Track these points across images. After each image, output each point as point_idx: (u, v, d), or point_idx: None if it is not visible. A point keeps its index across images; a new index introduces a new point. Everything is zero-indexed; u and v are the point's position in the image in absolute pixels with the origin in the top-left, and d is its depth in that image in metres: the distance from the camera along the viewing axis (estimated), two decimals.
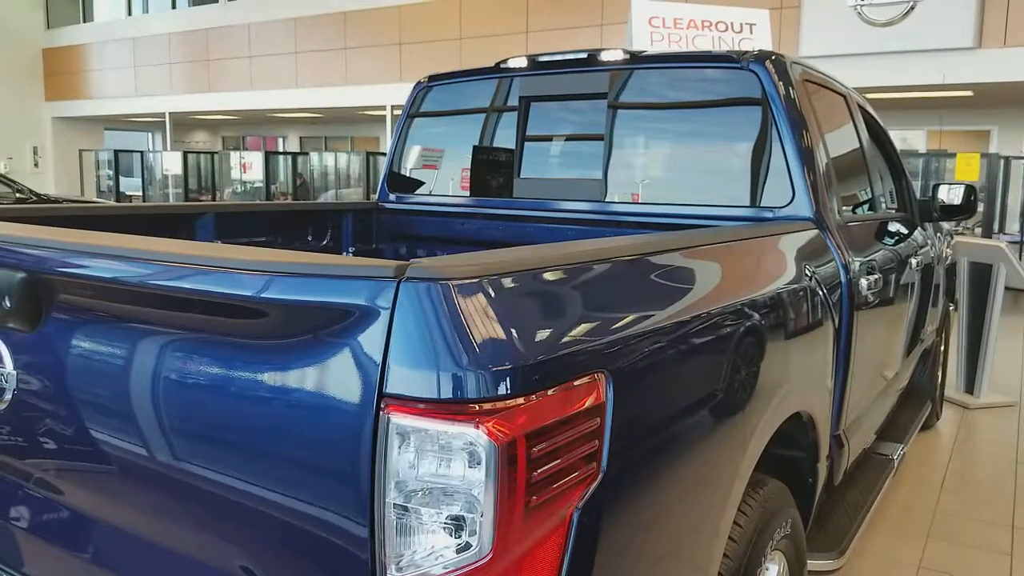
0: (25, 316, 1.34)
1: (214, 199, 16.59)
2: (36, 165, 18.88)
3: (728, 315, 1.53)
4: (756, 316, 1.65)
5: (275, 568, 1.09)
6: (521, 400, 0.96)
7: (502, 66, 3.04)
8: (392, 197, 3.35)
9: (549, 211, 2.92)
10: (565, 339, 1.06)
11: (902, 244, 3.04)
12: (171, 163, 17.06)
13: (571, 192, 2.85)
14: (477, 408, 0.94)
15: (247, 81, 15.30)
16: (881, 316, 2.60)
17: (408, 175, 3.35)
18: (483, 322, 0.97)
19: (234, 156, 16.90)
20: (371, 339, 0.97)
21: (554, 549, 1.02)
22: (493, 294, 1.01)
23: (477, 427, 0.93)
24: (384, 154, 15.18)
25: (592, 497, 1.06)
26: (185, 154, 16.88)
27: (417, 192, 3.31)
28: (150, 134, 21.98)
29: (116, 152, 17.97)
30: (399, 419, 0.95)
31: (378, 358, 0.96)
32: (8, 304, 1.34)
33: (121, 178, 17.78)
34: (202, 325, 1.16)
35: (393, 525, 0.97)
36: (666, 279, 1.43)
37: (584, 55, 2.80)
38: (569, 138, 2.94)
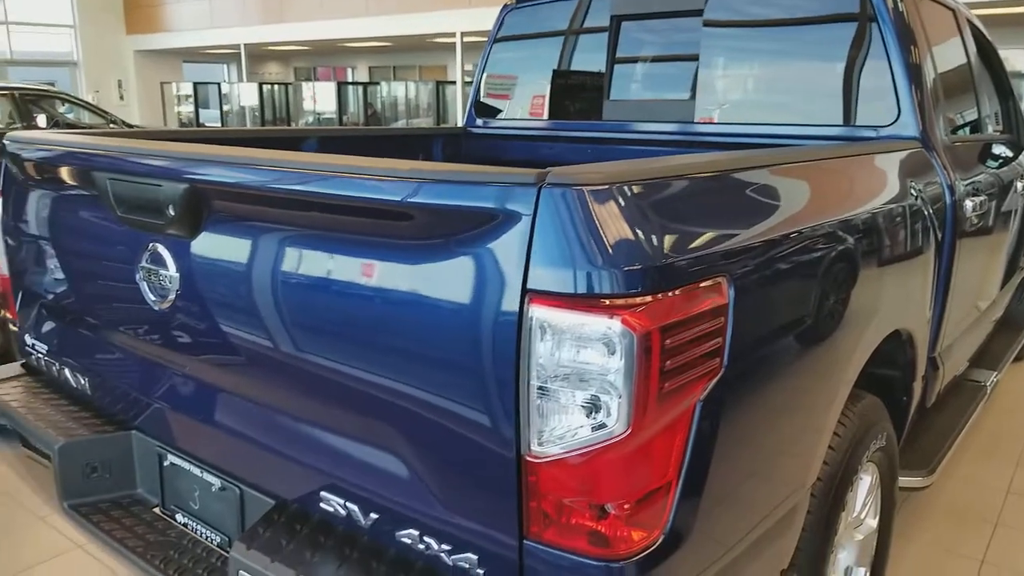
0: (187, 223, 1.47)
1: None
2: (121, 98, 19.46)
3: (842, 231, 1.56)
4: (866, 233, 1.67)
5: (430, 444, 1.19)
6: (651, 297, 1.03)
7: None
8: (479, 122, 3.38)
9: (639, 133, 2.92)
10: (691, 244, 1.12)
11: (1006, 168, 2.94)
12: (247, 95, 17.39)
13: (664, 114, 2.83)
14: (612, 303, 1.01)
15: (318, 10, 15.32)
16: (982, 240, 2.55)
17: (495, 100, 3.38)
18: (616, 225, 1.03)
19: (306, 87, 17.11)
20: (515, 239, 1.04)
21: (680, 434, 1.10)
22: (625, 200, 1.07)
23: (612, 318, 1.00)
24: (453, 83, 15.14)
25: (713, 390, 1.14)
26: (260, 85, 17.17)
27: (504, 116, 3.34)
28: (225, 66, 22.34)
29: (195, 84, 18.39)
30: (542, 311, 1.02)
31: (522, 257, 1.03)
32: (172, 212, 1.47)
33: (200, 110, 18.25)
34: (356, 229, 1.25)
35: (535, 405, 1.06)
36: (785, 192, 1.46)
37: None
38: (661, 59, 2.91)
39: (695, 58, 2.75)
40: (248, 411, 1.50)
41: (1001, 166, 2.87)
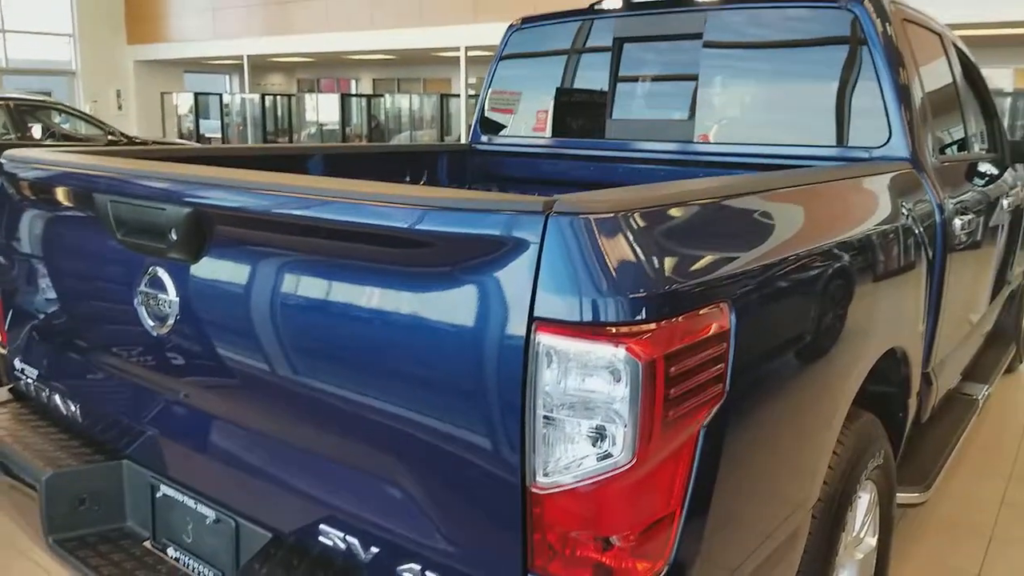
0: (189, 247, 1.45)
1: (291, 141, 16.96)
2: (120, 108, 19.49)
3: (838, 252, 1.61)
4: (861, 254, 1.73)
5: (433, 474, 1.22)
6: (655, 324, 1.07)
7: (596, 7, 3.08)
8: (484, 138, 3.44)
9: (640, 152, 2.98)
10: (693, 270, 1.17)
11: (992, 185, 3.01)
12: (249, 106, 17.45)
13: (665, 133, 2.89)
14: (617, 330, 1.05)
15: (323, 23, 15.40)
16: (971, 257, 2.61)
17: (500, 117, 3.44)
18: (622, 253, 1.08)
19: (309, 99, 17.18)
20: (522, 267, 1.08)
21: (684, 462, 1.13)
22: (630, 228, 1.12)
23: (617, 346, 1.04)
24: (457, 96, 15.21)
25: (716, 416, 1.17)
26: (262, 96, 17.22)
27: (509, 134, 3.40)
28: (227, 76, 22.42)
29: (196, 95, 18.44)
30: (548, 339, 1.06)
31: (529, 284, 1.07)
32: (175, 236, 1.45)
33: (200, 120, 18.30)
34: (361, 255, 1.28)
35: (541, 435, 1.08)
36: (784, 215, 1.52)
37: None
38: (663, 79, 2.98)
39: (695, 79, 2.82)
40: (246, 440, 1.49)
41: (987, 184, 2.94)
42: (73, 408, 1.86)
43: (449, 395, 1.17)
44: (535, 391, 1.08)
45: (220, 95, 18.38)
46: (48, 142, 9.58)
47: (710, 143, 2.79)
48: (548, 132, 3.26)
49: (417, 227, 1.17)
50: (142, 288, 1.58)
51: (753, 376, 1.29)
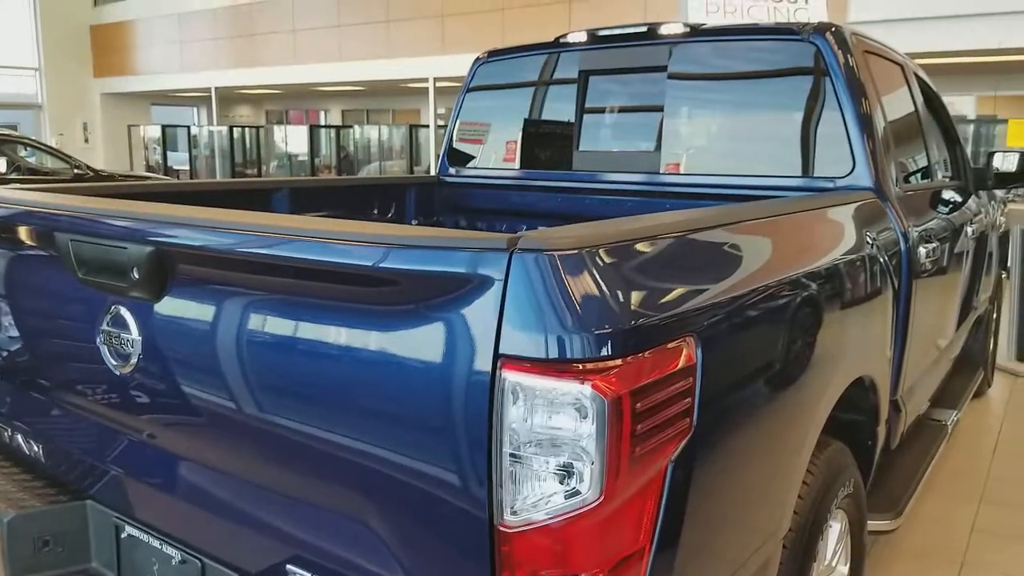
0: (151, 286, 1.45)
1: (259, 172, 16.89)
2: (86, 141, 19.32)
3: (803, 283, 1.62)
4: (828, 284, 1.73)
5: (401, 513, 1.20)
6: (622, 360, 1.06)
7: (561, 40, 3.10)
8: (452, 171, 3.44)
9: (607, 183, 2.99)
10: (659, 305, 1.16)
11: (957, 212, 3.06)
12: (217, 138, 17.38)
13: (631, 164, 2.91)
14: (584, 367, 1.04)
15: (291, 55, 15.45)
16: (937, 284, 2.64)
17: (467, 149, 3.44)
18: (586, 289, 1.07)
19: (278, 130, 17.17)
20: (487, 304, 1.07)
21: (652, 498, 1.12)
22: (594, 264, 1.11)
23: (583, 383, 1.03)
24: (426, 126, 15.30)
25: (684, 450, 1.16)
26: (230, 128, 17.17)
27: (476, 166, 3.40)
28: (195, 109, 22.34)
29: (163, 127, 18.34)
30: (514, 376, 1.05)
31: (494, 321, 1.06)
32: (136, 275, 1.45)
33: (168, 152, 18.18)
34: (324, 294, 1.27)
35: (508, 473, 1.07)
36: (747, 248, 1.52)
37: (644, 28, 2.85)
38: (629, 111, 3.00)
39: (660, 110, 2.85)
40: (212, 479, 1.48)
41: (951, 211, 2.99)
42: (36, 448, 1.84)
43: (416, 433, 1.16)
44: (501, 429, 1.07)
45: (188, 127, 18.31)
46: (13, 176, 9.50)
47: (676, 174, 2.81)
48: (516, 164, 3.27)
49: (381, 265, 1.16)
50: (104, 327, 1.56)
51: (721, 409, 1.28)
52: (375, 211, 3.24)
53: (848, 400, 1.94)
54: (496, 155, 3.36)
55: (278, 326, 1.32)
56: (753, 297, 1.41)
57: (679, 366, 1.15)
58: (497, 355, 1.06)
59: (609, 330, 1.06)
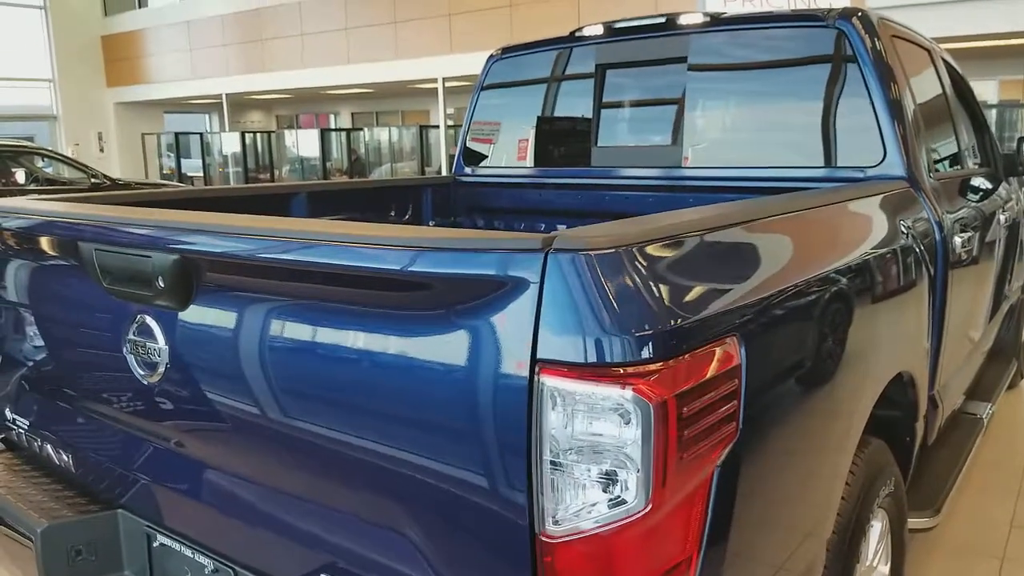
0: (177, 295, 1.43)
1: (272, 177, 16.92)
2: (101, 150, 19.45)
3: (844, 277, 1.56)
4: (867, 277, 1.67)
5: (439, 523, 1.16)
6: (664, 363, 1.01)
7: (577, 34, 3.05)
8: (468, 170, 3.39)
9: (627, 179, 2.94)
10: (700, 304, 1.11)
11: (988, 200, 2.98)
12: (229, 144, 17.43)
13: (652, 159, 2.85)
14: (625, 371, 0.99)
15: (299, 59, 15.46)
16: (971, 274, 2.57)
17: (483, 148, 3.39)
18: (626, 289, 1.03)
19: (289, 135, 17.19)
20: (522, 307, 1.02)
21: (699, 505, 1.08)
22: (633, 263, 1.06)
23: (625, 388, 0.98)
24: (436, 127, 15.26)
25: (731, 454, 1.12)
26: (242, 134, 17.22)
27: (493, 164, 3.35)
28: (207, 115, 22.43)
29: (176, 135, 18.42)
30: (553, 381, 1.00)
31: (530, 325, 1.01)
32: (162, 284, 1.43)
33: (182, 160, 18.26)
34: (354, 299, 1.23)
35: (549, 481, 1.03)
36: (786, 242, 1.47)
37: (663, 20, 2.79)
38: (648, 104, 2.95)
39: (681, 103, 2.79)
40: (243, 488, 1.46)
41: (982, 199, 2.91)
42: (66, 458, 1.84)
43: (453, 442, 1.12)
44: (541, 436, 1.03)
45: (200, 134, 18.36)
46: (31, 187, 9.59)
47: (699, 168, 2.75)
48: (533, 161, 3.22)
49: (411, 269, 1.12)
50: (131, 336, 1.55)
51: (766, 409, 1.24)
52: (392, 213, 3.20)
53: (887, 396, 1.88)
54: (512, 153, 3.31)
55: (306, 333, 1.29)
56: (795, 293, 1.36)
57: (724, 367, 1.10)
58: (535, 360, 1.01)
59: (650, 331, 1.01)
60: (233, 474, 1.48)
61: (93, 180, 10.11)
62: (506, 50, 3.30)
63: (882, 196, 2.05)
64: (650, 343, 1.00)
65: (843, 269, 1.57)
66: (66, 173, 10.53)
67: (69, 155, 14.23)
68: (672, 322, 1.04)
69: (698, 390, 1.04)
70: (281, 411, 1.33)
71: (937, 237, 2.22)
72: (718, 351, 1.10)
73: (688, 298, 1.10)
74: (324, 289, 1.27)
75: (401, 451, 1.17)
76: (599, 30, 2.98)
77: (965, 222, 2.50)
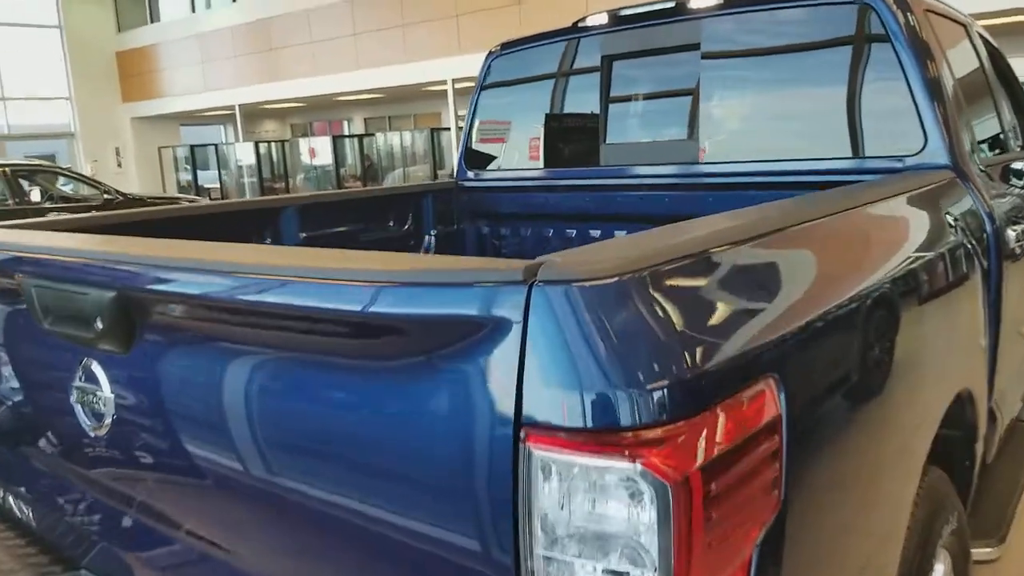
0: (118, 337, 1.24)
1: (287, 186, 16.86)
2: (119, 165, 19.53)
3: (899, 288, 1.32)
4: (924, 285, 1.44)
5: None
6: (685, 424, 0.78)
7: (580, 25, 2.83)
8: (470, 175, 3.19)
9: (640, 177, 2.72)
10: (729, 341, 0.88)
11: None
12: (244, 154, 17.40)
13: (666, 155, 2.63)
14: (635, 437, 0.77)
15: (310, 67, 15.36)
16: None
17: (485, 151, 3.19)
18: (633, 329, 0.80)
19: (302, 143, 17.12)
20: (502, 356, 0.80)
21: None
22: (642, 293, 0.83)
23: (633, 461, 0.76)
24: (447, 129, 15.07)
25: (772, 531, 0.88)
26: (256, 144, 17.17)
27: (496, 167, 3.15)
28: (222, 127, 22.45)
29: (192, 147, 18.42)
30: (543, 452, 0.78)
31: (512, 379, 0.79)
32: (100, 325, 1.24)
33: (198, 171, 18.26)
34: (302, 343, 1.03)
35: None
36: (827, 251, 1.22)
37: (672, 4, 2.56)
38: (659, 96, 2.72)
39: (695, 94, 2.56)
40: (204, 548, 1.28)
41: None
42: (27, 513, 1.68)
43: (421, 530, 0.90)
44: (529, 522, 0.80)
45: (215, 145, 18.34)
46: (47, 205, 9.62)
47: (717, 163, 2.52)
48: (539, 163, 3.01)
49: (365, 309, 0.90)
50: (77, 383, 1.38)
51: (815, 468, 1.00)
52: (391, 223, 3.00)
53: (944, 417, 1.65)
54: (517, 155, 3.11)
55: (257, 383, 1.10)
56: (842, 313, 1.12)
57: (761, 421, 0.87)
58: (519, 423, 0.79)
59: (665, 383, 0.78)
60: (190, 535, 1.30)
61: (106, 196, 10.11)
62: (505, 46, 3.09)
63: (927, 188, 1.82)
64: (665, 399, 0.77)
65: (898, 278, 1.33)
66: (84, 190, 10.53)
67: (88, 171, 14.24)
68: (692, 369, 0.81)
69: (729, 456, 0.81)
70: (230, 468, 1.15)
71: (988, 230, 1.97)
72: (753, 400, 0.87)
73: (712, 334, 0.87)
74: (273, 334, 1.06)
75: (363, 527, 0.96)
76: (603, 19, 2.76)
77: (1016, 211, 2.25)
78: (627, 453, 0.76)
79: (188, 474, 1.25)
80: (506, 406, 0.80)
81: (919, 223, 1.66)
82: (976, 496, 2.17)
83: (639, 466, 0.75)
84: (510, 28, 12.02)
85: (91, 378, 1.34)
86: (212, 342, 1.18)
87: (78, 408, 1.38)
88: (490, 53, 3.13)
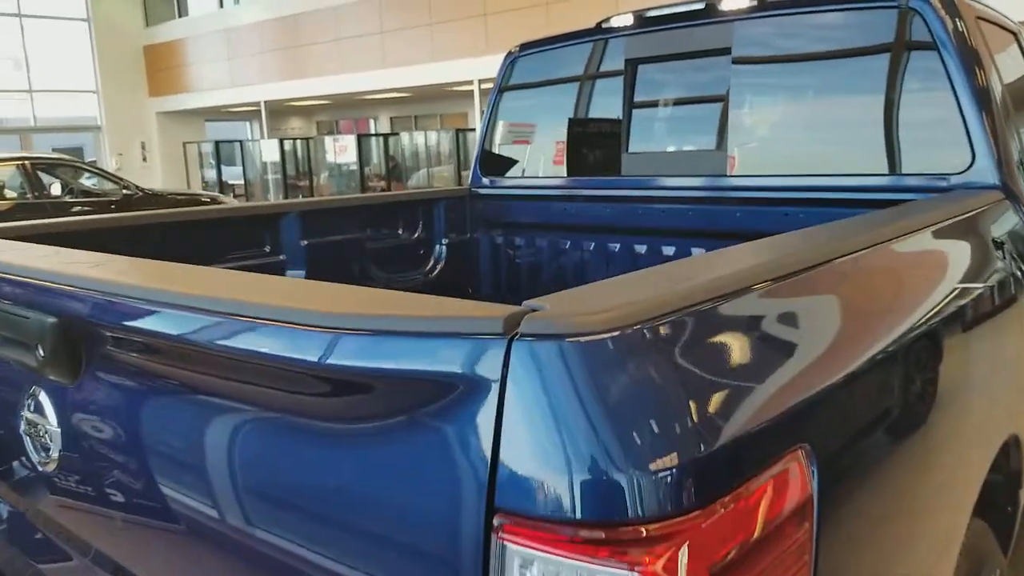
0: (62, 367, 1.13)
1: (311, 184, 16.83)
2: (145, 160, 19.65)
3: (946, 328, 1.17)
4: (973, 323, 1.27)
5: None
6: (697, 515, 0.64)
7: (604, 26, 2.69)
8: (486, 181, 3.05)
9: (663, 189, 2.57)
10: (752, 408, 0.73)
11: None
12: (268, 151, 17.39)
13: (691, 167, 2.48)
14: (637, 532, 0.62)
15: (337, 64, 15.33)
16: None
17: (502, 156, 3.05)
18: (636, 397, 0.66)
19: (327, 141, 17.08)
20: (475, 425, 0.67)
21: None
22: (647, 352, 0.69)
23: (632, 568, 0.61)
24: (473, 130, 14.96)
25: None
26: (281, 141, 17.17)
27: (513, 174, 3.01)
28: (248, 123, 22.53)
29: (217, 143, 18.47)
30: (519, 546, 0.64)
31: (486, 453, 0.66)
32: (42, 353, 1.13)
33: (223, 167, 18.30)
34: (248, 393, 0.90)
35: None
36: (865, 291, 1.06)
37: (702, 5, 2.41)
38: (686, 103, 2.57)
39: (724, 102, 2.41)
40: None
41: None
42: None
43: None
44: None
45: (240, 142, 18.37)
46: (67, 199, 9.61)
47: (746, 176, 2.36)
48: (557, 171, 2.87)
49: (323, 361, 0.75)
50: (25, 414, 1.28)
51: (851, 555, 0.84)
52: (400, 231, 2.87)
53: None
54: (535, 162, 2.97)
55: (207, 422, 0.98)
56: (884, 365, 0.96)
57: (789, 504, 0.72)
58: (492, 510, 0.65)
59: (674, 465, 0.64)
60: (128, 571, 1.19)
61: (125, 191, 10.09)
62: (525, 47, 2.95)
63: (977, 212, 1.65)
64: (672, 485, 0.63)
65: (948, 317, 1.17)
66: (105, 185, 10.51)
67: (113, 165, 14.26)
68: (708, 443, 0.67)
69: (750, 555, 0.67)
70: (177, 509, 1.04)
71: None
72: (779, 480, 0.72)
73: (731, 402, 0.72)
74: (221, 375, 0.94)
75: None
76: (628, 20, 2.61)
77: None
78: (623, 556, 0.61)
79: (136, 514, 1.14)
80: (478, 487, 0.66)
81: (967, 253, 1.49)
82: (1017, 543, 2.00)
83: (635, 573, 0.61)
84: (538, 28, 11.85)
85: (39, 408, 1.23)
86: (162, 379, 1.06)
87: (27, 440, 1.27)
88: (509, 54, 2.99)
